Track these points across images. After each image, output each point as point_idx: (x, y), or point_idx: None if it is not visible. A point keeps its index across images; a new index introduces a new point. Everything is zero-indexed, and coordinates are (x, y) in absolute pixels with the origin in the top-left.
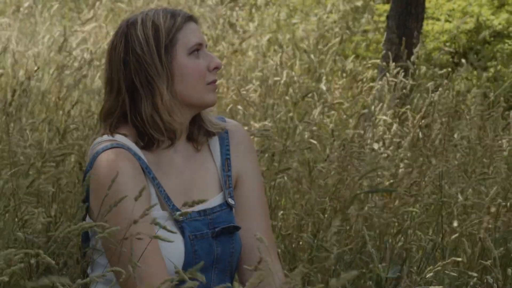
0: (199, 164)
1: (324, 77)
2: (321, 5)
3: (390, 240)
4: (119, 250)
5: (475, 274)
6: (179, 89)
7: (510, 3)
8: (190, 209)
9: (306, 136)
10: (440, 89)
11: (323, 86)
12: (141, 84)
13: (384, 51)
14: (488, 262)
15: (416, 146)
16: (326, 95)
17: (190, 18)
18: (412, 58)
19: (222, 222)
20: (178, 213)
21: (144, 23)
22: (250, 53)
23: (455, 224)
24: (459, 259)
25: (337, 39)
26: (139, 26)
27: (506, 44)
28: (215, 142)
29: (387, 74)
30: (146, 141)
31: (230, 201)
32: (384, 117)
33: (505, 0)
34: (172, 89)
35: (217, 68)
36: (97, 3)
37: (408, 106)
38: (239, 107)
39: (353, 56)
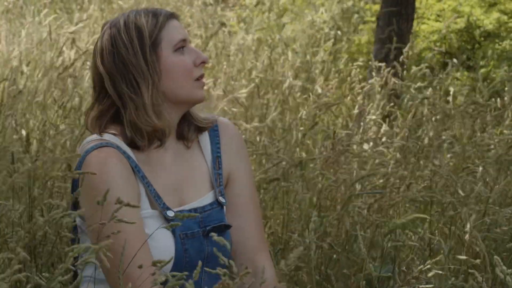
0: (190, 162)
1: (318, 78)
2: (311, 6)
3: (384, 240)
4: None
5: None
6: (168, 87)
7: (502, 2)
8: (180, 208)
9: (299, 136)
10: (430, 89)
11: (318, 88)
12: (128, 86)
13: (374, 52)
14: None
15: (405, 146)
16: (316, 96)
17: (172, 16)
18: (401, 58)
19: (213, 220)
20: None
21: (127, 25)
22: (239, 53)
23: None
24: (440, 256)
25: (331, 41)
26: (122, 28)
27: (497, 44)
28: (205, 140)
29: (374, 74)
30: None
31: (221, 199)
32: (374, 117)
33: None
34: (160, 88)
35: (203, 62)
36: (88, 4)
37: (392, 104)
38: (226, 108)
39: (344, 56)
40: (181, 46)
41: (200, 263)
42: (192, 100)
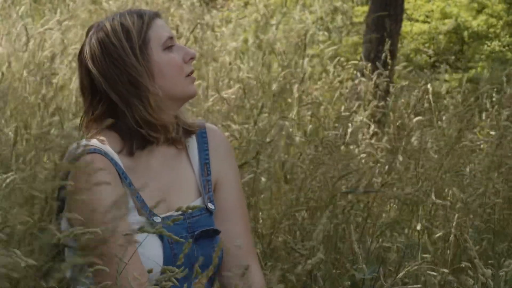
0: (177, 169)
1: (306, 79)
2: (299, 6)
3: (370, 241)
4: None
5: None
6: (161, 85)
7: (490, 6)
8: (167, 214)
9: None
10: (416, 90)
11: (307, 89)
12: (126, 87)
13: (362, 53)
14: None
15: (393, 146)
16: (305, 96)
17: (156, 15)
18: (384, 57)
19: (202, 226)
20: (157, 221)
21: (114, 28)
22: (226, 54)
23: (418, 227)
24: (428, 255)
25: (319, 42)
26: (110, 31)
27: (485, 46)
28: (193, 147)
29: (361, 75)
30: (136, 144)
31: (210, 206)
32: (361, 118)
33: (485, 4)
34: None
35: (192, 58)
36: (71, 4)
37: (380, 104)
38: (215, 108)
39: (333, 57)
40: (170, 44)
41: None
42: (186, 95)
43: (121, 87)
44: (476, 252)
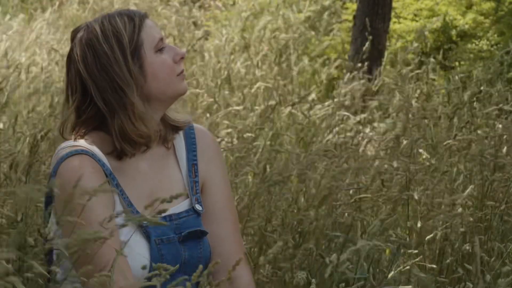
0: (165, 170)
1: (295, 79)
2: (287, 5)
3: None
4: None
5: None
6: (154, 87)
7: (478, 3)
8: (156, 214)
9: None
10: (406, 88)
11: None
12: (114, 95)
13: (350, 51)
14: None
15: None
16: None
17: (145, 16)
18: (372, 56)
19: (189, 227)
20: (142, 216)
21: (104, 33)
22: (213, 53)
23: (419, 224)
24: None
25: (306, 41)
26: (100, 37)
27: (474, 44)
28: (181, 147)
29: (350, 74)
30: (119, 150)
31: (198, 207)
32: (351, 117)
33: (472, 1)
34: (144, 91)
35: (182, 58)
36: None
37: (362, 102)
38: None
39: (320, 56)
40: (161, 45)
41: (177, 266)
42: (178, 94)
43: (109, 95)
44: (465, 251)
